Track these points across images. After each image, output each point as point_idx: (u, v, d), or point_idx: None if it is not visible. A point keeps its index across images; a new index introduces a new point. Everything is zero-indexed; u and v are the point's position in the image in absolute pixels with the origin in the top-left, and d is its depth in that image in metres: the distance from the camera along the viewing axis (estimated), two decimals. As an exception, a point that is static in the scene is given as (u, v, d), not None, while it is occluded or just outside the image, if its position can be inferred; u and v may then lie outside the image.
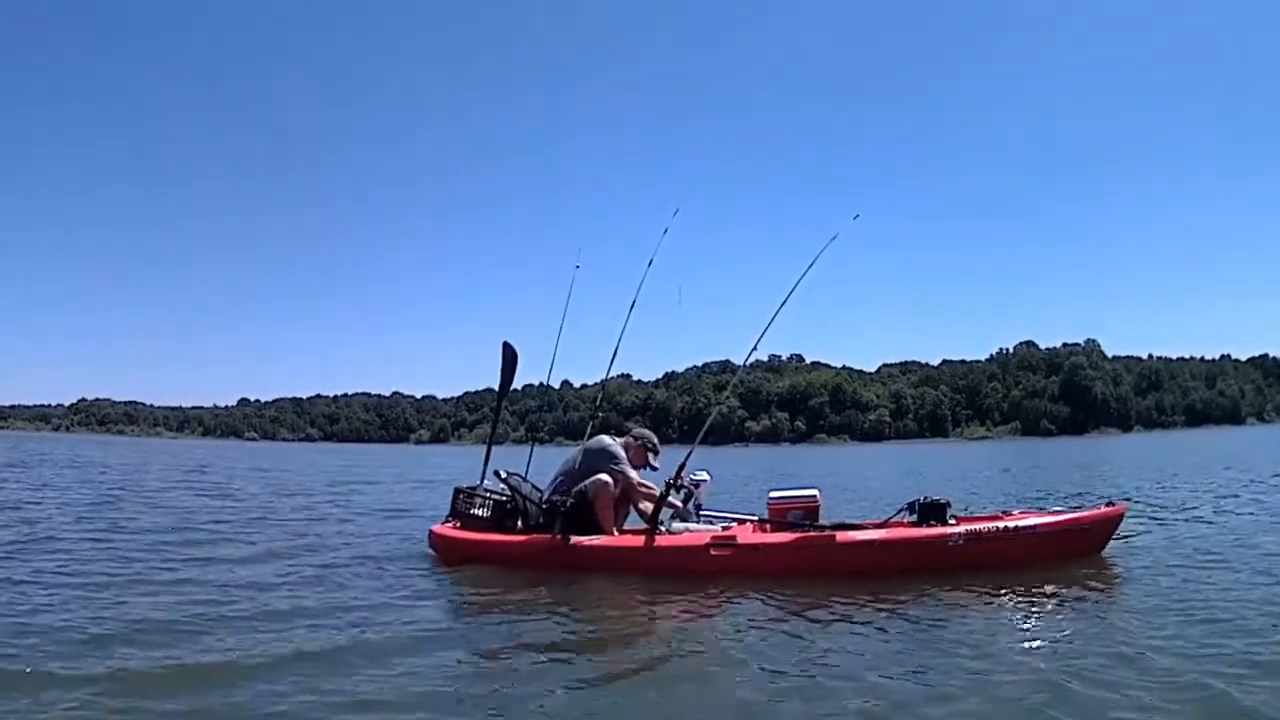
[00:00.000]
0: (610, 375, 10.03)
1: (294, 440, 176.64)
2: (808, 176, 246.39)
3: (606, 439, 9.01)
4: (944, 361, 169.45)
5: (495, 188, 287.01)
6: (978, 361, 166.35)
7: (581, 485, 8.59)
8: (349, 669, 5.06)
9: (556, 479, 8.99)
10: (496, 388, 10.33)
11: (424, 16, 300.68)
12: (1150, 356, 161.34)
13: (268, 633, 5.86)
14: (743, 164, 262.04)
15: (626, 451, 8.96)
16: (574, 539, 8.32)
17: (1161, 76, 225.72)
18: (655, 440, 9.28)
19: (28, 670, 4.82)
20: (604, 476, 8.61)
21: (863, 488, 21.93)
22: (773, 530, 8.32)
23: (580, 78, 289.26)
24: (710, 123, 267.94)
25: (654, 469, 9.21)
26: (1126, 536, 9.34)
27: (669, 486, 8.47)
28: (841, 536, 7.94)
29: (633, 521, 9.01)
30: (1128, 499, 12.75)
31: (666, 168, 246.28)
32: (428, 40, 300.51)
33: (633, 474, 8.75)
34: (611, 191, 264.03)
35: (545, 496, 8.92)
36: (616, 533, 8.63)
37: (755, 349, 8.85)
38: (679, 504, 8.78)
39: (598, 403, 10.31)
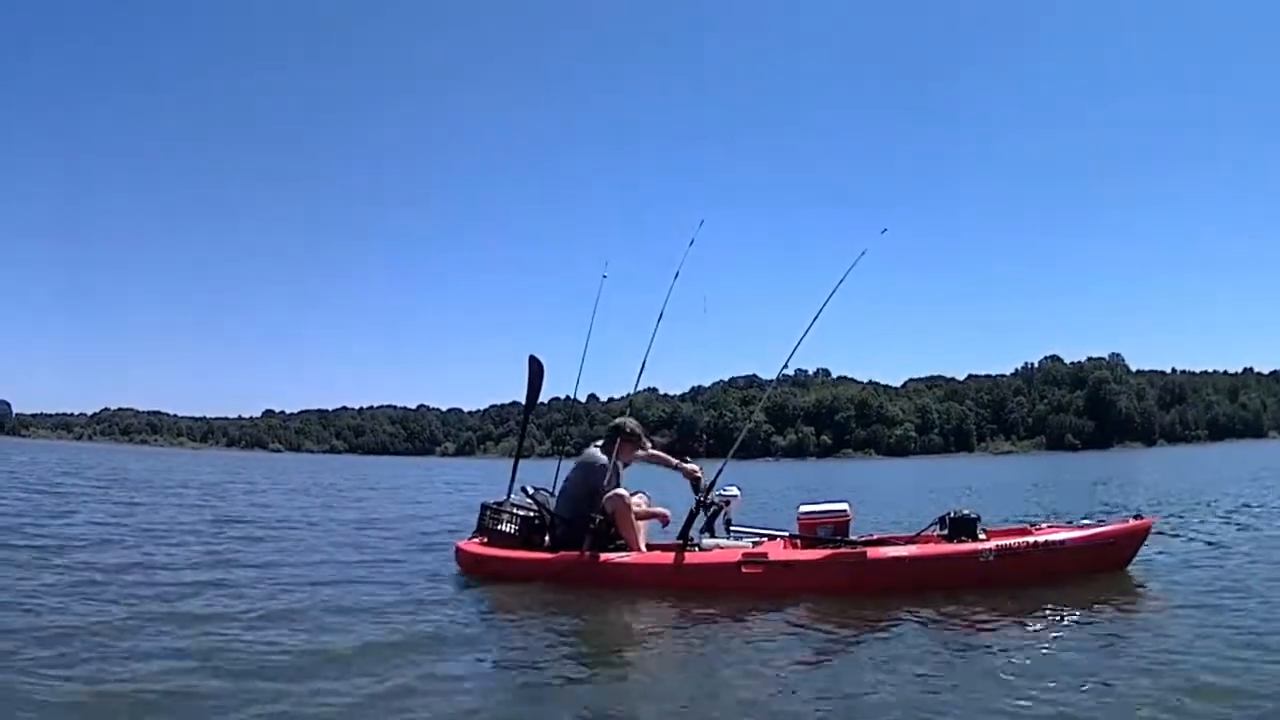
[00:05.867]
0: (638, 388, 9.99)
1: (319, 452, 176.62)
2: (833, 193, 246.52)
3: (593, 451, 8.98)
4: (970, 376, 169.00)
5: (523, 200, 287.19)
6: (1003, 376, 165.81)
7: (602, 502, 8.54)
8: (374, 686, 5.05)
9: (558, 496, 9.00)
10: (523, 401, 10.32)
11: (454, 26, 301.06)
12: (1173, 370, 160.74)
13: (290, 649, 5.86)
14: (768, 180, 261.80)
15: (610, 450, 8.88)
16: (603, 556, 8.31)
17: (1184, 93, 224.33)
18: (633, 426, 9.05)
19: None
20: (620, 491, 8.58)
21: (890, 502, 21.85)
22: (804, 546, 8.26)
23: (608, 92, 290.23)
24: (738, 137, 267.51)
25: (646, 449, 9.18)
26: (1157, 546, 9.34)
27: (699, 504, 8.45)
28: (873, 553, 7.89)
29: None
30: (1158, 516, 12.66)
31: (695, 183, 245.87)
32: (453, 51, 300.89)
33: (624, 494, 8.61)
34: (640, 205, 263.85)
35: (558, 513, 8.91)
36: (645, 548, 8.59)
37: (786, 365, 8.86)
38: (664, 512, 8.90)
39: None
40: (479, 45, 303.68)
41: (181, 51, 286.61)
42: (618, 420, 9.15)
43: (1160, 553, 9.49)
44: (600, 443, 9.02)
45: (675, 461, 8.96)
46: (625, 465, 9.09)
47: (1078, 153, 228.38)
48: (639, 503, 8.77)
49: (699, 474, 8.72)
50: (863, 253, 8.86)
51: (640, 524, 8.61)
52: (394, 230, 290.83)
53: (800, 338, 8.72)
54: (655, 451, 9.19)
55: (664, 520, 8.91)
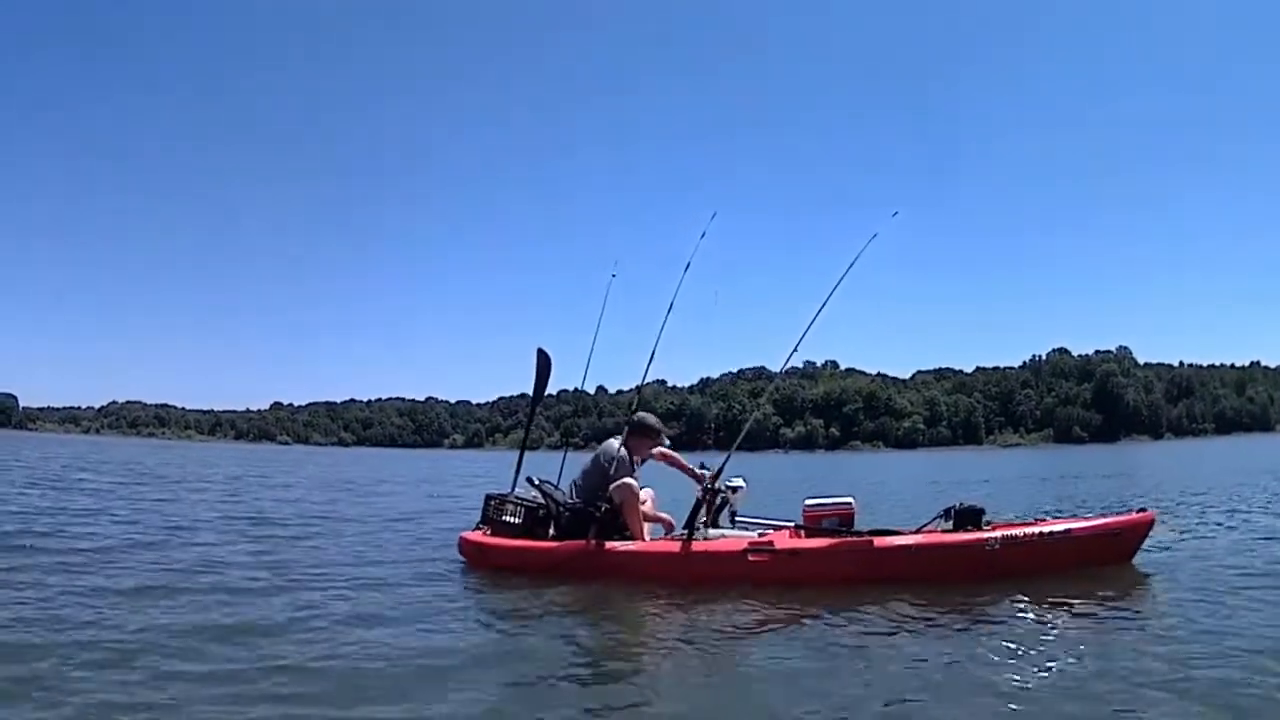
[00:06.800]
0: (646, 380, 9.98)
1: (327, 445, 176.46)
2: (842, 186, 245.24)
3: (612, 443, 8.98)
4: (978, 368, 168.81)
5: (533, 193, 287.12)
6: (1011, 368, 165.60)
7: (609, 491, 8.56)
8: (376, 675, 5.10)
9: (572, 486, 9.03)
10: (531, 393, 10.34)
11: (454, 26, 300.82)
12: (1181, 364, 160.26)
13: (296, 638, 5.92)
14: (779, 173, 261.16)
15: (629, 445, 8.95)
16: (608, 544, 8.32)
17: (1189, 87, 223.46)
18: (651, 421, 9.20)
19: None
20: (629, 480, 8.58)
21: (897, 494, 21.85)
22: (809, 536, 8.27)
23: (608, 92, 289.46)
24: (739, 137, 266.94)
25: (665, 444, 9.26)
26: (1161, 539, 9.40)
27: (705, 492, 8.46)
28: (879, 542, 7.90)
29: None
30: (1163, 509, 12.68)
31: (695, 183, 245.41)
32: (453, 51, 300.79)
33: (633, 483, 8.64)
34: (641, 205, 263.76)
35: (564, 503, 8.93)
36: (649, 538, 8.62)
37: (796, 349, 8.83)
38: (669, 518, 8.96)
39: (633, 408, 10.31)
40: (479, 45, 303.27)
41: (181, 51, 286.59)
42: (641, 416, 9.24)
43: (1164, 545, 9.49)
44: (617, 440, 9.04)
45: (690, 468, 8.98)
46: (641, 461, 9.11)
47: (1080, 152, 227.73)
48: (646, 497, 8.81)
49: (709, 485, 8.70)
50: (873, 236, 8.84)
51: (645, 524, 8.64)
52: (398, 226, 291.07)
53: (810, 322, 8.68)
54: (671, 453, 9.22)
55: (668, 527, 8.94)
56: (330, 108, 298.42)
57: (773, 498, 15.18)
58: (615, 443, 8.94)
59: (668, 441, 9.29)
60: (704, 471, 8.79)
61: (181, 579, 7.76)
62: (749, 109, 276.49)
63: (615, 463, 8.70)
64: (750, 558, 7.91)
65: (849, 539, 8.01)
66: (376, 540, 11.13)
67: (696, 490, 8.59)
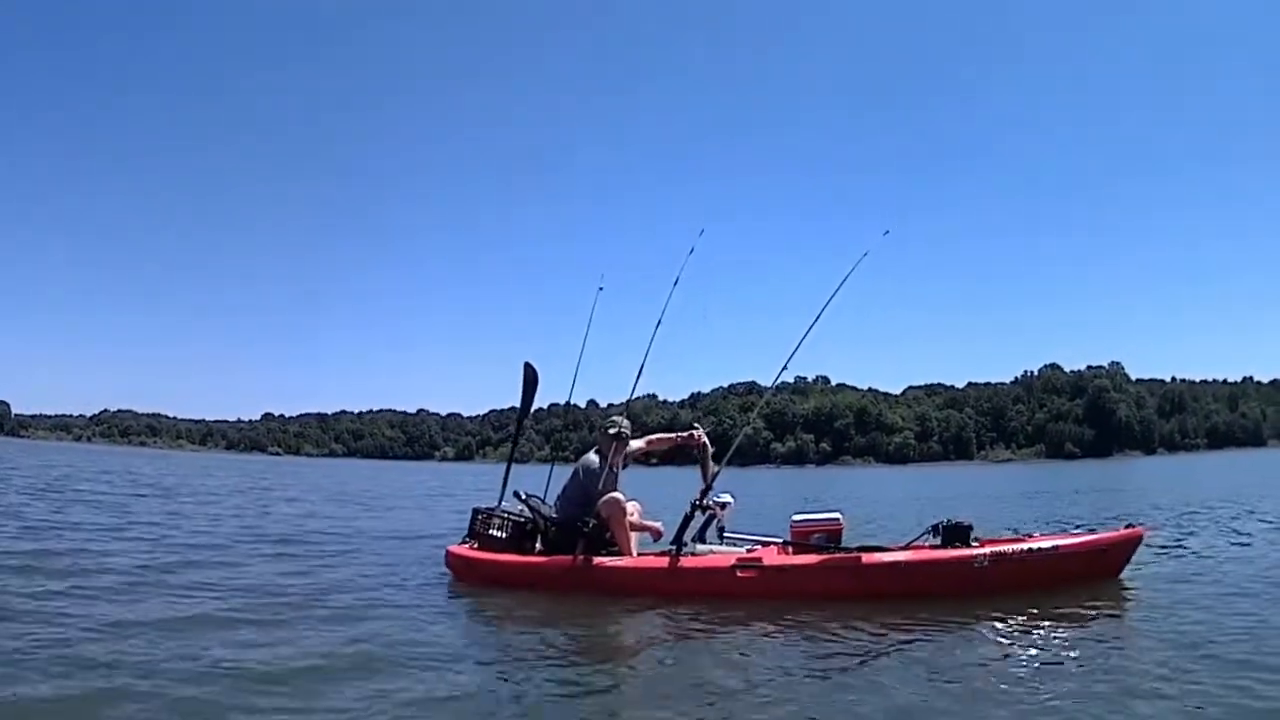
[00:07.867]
0: (636, 395, 9.95)
1: (318, 456, 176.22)
2: (833, 199, 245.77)
3: (589, 456, 8.93)
4: (969, 384, 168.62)
5: (522, 205, 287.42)
6: (1003, 384, 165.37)
7: (597, 506, 8.53)
8: (359, 691, 5.05)
9: (557, 502, 8.99)
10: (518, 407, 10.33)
11: (455, 26, 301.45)
12: (1173, 379, 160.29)
13: (278, 651, 5.86)
14: (769, 186, 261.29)
15: (605, 452, 8.88)
16: (596, 560, 8.29)
17: (1183, 100, 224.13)
18: (618, 422, 8.98)
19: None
20: (616, 495, 8.56)
21: (887, 510, 21.83)
22: (797, 552, 8.26)
23: (609, 95, 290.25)
24: (739, 143, 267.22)
25: (635, 446, 9.21)
26: (1150, 555, 9.42)
27: (693, 508, 8.43)
28: (867, 559, 7.88)
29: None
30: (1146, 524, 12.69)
31: (694, 188, 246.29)
32: (459, 54, 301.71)
33: (620, 498, 8.60)
34: (639, 211, 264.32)
35: (550, 518, 8.90)
36: (636, 553, 8.58)
37: (785, 368, 8.84)
38: (658, 526, 8.85)
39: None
40: (479, 45, 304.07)
41: (181, 51, 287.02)
42: (606, 420, 9.15)
43: (1153, 561, 9.52)
44: (597, 448, 8.99)
45: (677, 436, 9.01)
46: (624, 466, 9.08)
47: (1077, 160, 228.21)
48: (633, 510, 8.77)
49: (702, 438, 8.77)
50: (864, 254, 8.87)
51: (632, 534, 8.60)
52: (395, 235, 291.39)
53: (800, 339, 8.71)
54: (652, 437, 9.23)
55: (656, 535, 8.88)
56: (330, 108, 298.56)
57: (762, 514, 15.15)
58: (593, 455, 8.91)
59: (624, 432, 9.04)
60: (693, 432, 8.89)
61: (214, 604, 7.53)
62: (748, 110, 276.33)
63: (597, 477, 8.66)
64: (738, 574, 7.89)
65: (837, 555, 7.99)
66: (368, 553, 11.06)
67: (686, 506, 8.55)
